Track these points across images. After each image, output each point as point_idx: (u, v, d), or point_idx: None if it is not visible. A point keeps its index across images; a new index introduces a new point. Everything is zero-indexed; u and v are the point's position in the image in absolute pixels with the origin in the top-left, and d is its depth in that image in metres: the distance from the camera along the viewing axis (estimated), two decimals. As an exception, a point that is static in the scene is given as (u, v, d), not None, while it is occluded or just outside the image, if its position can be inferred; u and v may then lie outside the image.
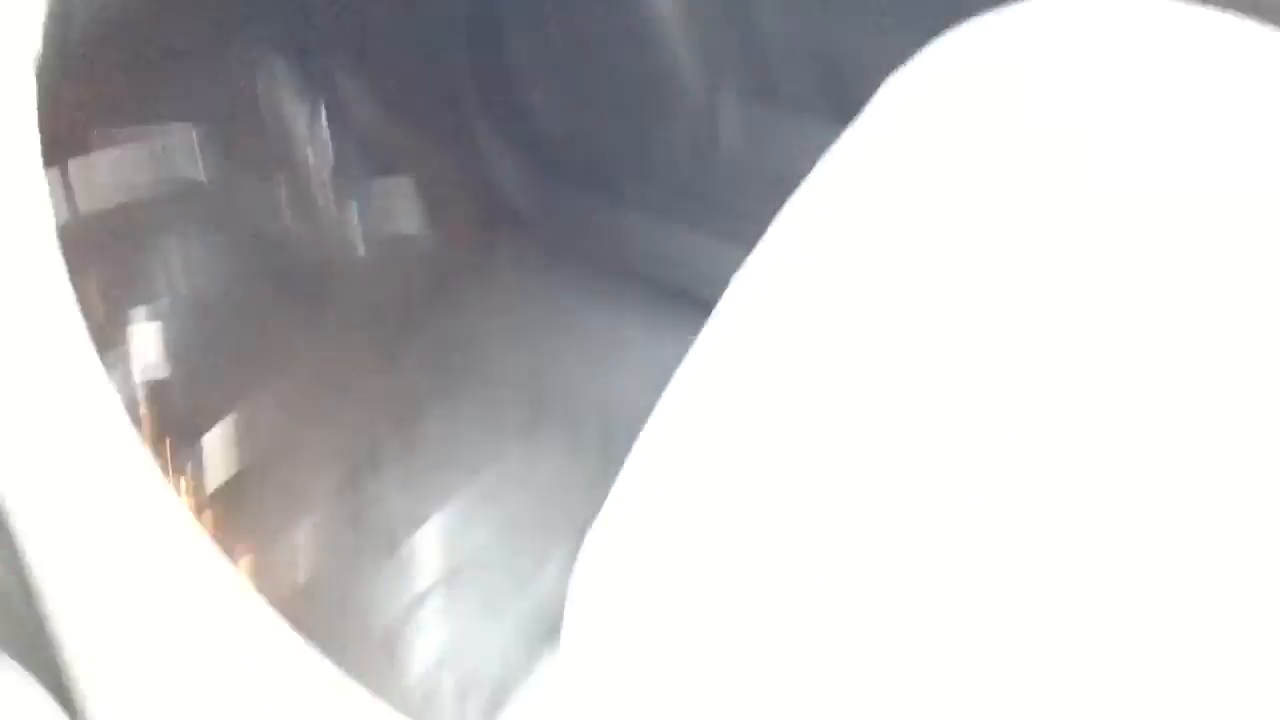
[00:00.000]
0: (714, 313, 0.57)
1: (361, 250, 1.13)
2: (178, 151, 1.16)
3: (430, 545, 0.95)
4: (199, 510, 0.98)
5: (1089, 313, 0.52)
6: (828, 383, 0.53)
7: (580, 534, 0.52)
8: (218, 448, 1.00)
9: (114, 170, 1.13)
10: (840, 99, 0.72)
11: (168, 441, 1.01)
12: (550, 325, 1.05)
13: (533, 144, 1.08)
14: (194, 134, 1.21)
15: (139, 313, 1.07)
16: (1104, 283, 0.53)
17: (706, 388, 0.55)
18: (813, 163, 0.62)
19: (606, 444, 1.02)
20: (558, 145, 1.07)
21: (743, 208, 0.99)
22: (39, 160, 0.62)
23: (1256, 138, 0.57)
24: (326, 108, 1.18)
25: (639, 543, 0.52)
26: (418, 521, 0.92)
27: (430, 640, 0.94)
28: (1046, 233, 0.56)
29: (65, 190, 1.10)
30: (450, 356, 1.02)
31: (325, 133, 1.17)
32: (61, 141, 1.05)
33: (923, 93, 0.61)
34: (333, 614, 0.93)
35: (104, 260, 1.08)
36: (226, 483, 0.98)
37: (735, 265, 0.59)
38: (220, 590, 0.50)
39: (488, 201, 1.12)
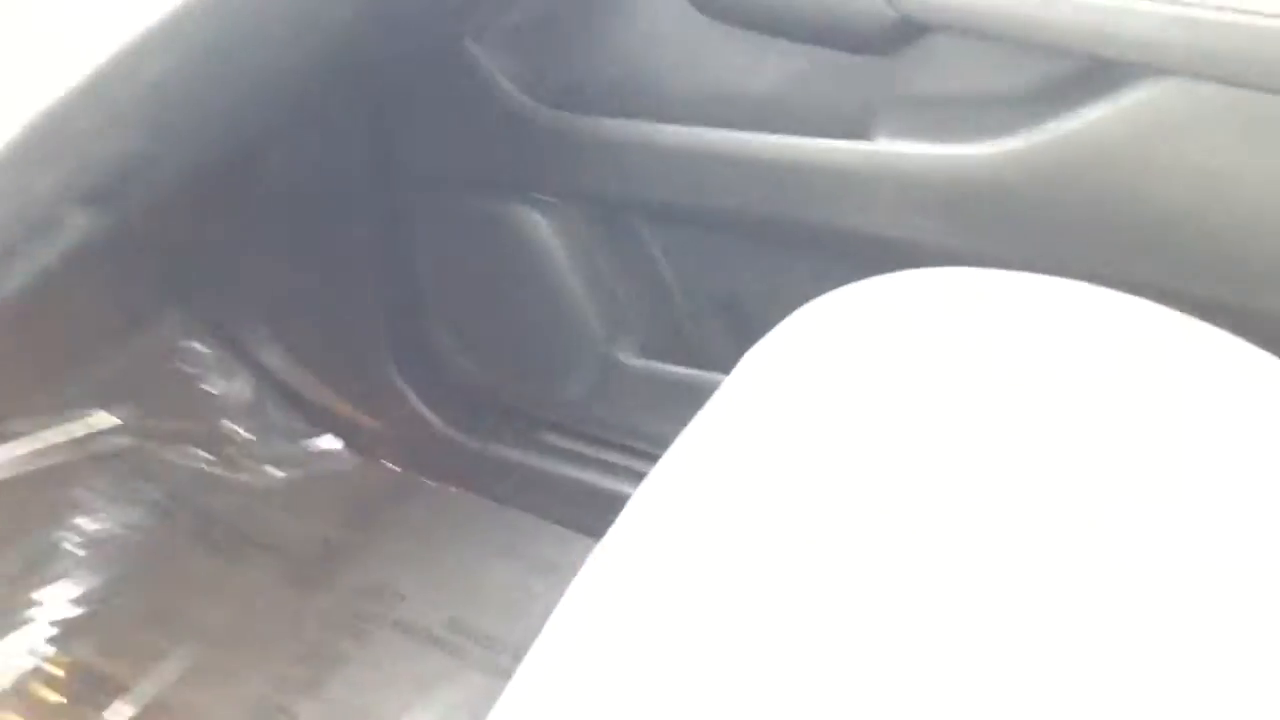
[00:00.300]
0: (599, 544, 0.59)
1: (280, 503, 1.14)
2: (96, 434, 1.19)
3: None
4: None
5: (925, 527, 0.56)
6: (694, 617, 0.55)
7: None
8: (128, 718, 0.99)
9: (29, 454, 1.15)
10: (735, 351, 0.76)
11: (79, 712, 0.99)
12: (468, 571, 1.05)
13: (448, 397, 1.11)
14: (112, 416, 1.24)
15: (52, 583, 1.08)
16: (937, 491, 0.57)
17: (589, 614, 0.57)
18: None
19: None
20: (472, 397, 1.10)
21: (647, 451, 1.03)
22: None
23: (1085, 380, 0.62)
24: (250, 377, 1.22)
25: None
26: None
27: None
28: (894, 476, 0.60)
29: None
30: (367, 609, 1.02)
31: (248, 400, 1.20)
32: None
33: (784, 354, 0.66)
34: None
35: (15, 531, 1.09)
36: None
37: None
38: None
39: (405, 453, 1.14)
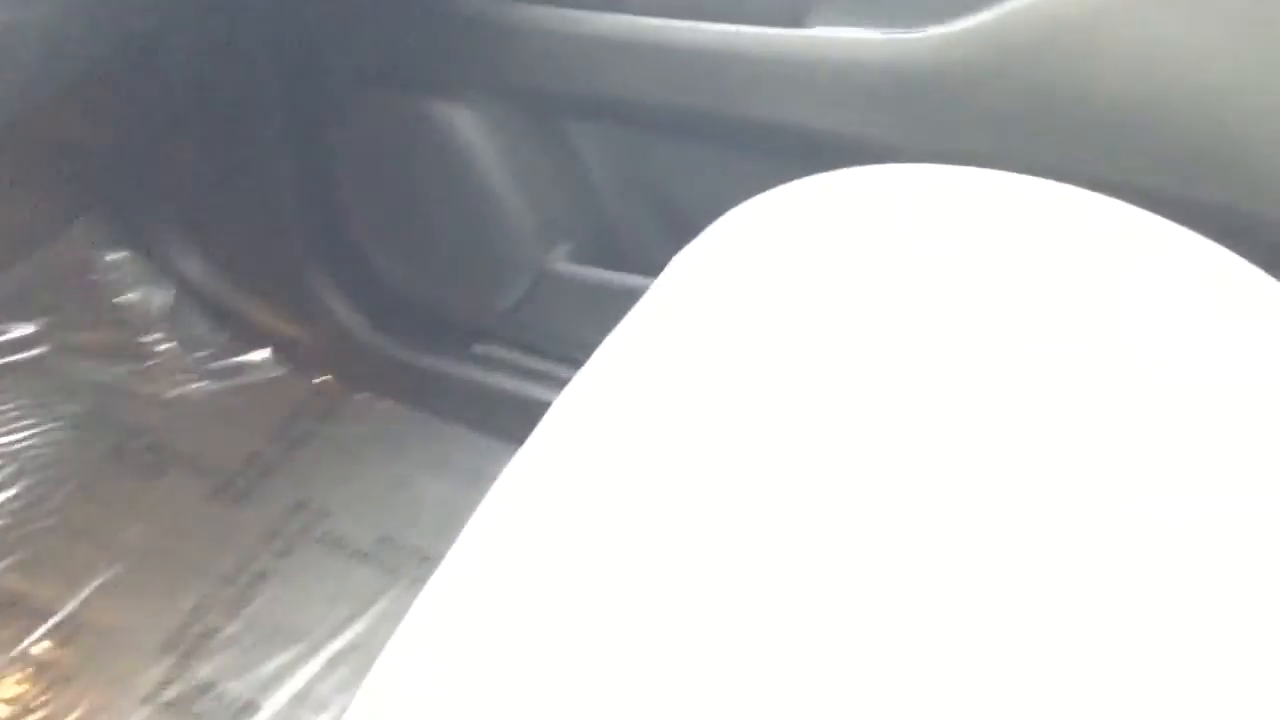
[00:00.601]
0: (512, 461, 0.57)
1: (204, 417, 1.10)
2: (11, 347, 1.14)
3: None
4: (27, 709, 0.93)
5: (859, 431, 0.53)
6: (612, 524, 0.52)
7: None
8: (49, 641, 0.94)
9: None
10: (671, 254, 0.74)
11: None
12: (399, 485, 1.02)
13: (377, 306, 1.07)
14: (29, 329, 1.18)
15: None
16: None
17: (506, 521, 0.54)
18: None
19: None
20: (401, 306, 1.06)
21: (582, 359, 0.99)
22: None
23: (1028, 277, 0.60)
24: (169, 287, 1.16)
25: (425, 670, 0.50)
26: (252, 708, 0.87)
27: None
28: (822, 370, 0.57)
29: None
30: (293, 525, 0.99)
31: (168, 311, 1.15)
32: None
33: (715, 255, 0.63)
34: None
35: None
36: (58, 676, 0.93)
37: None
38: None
39: (333, 364, 1.10)
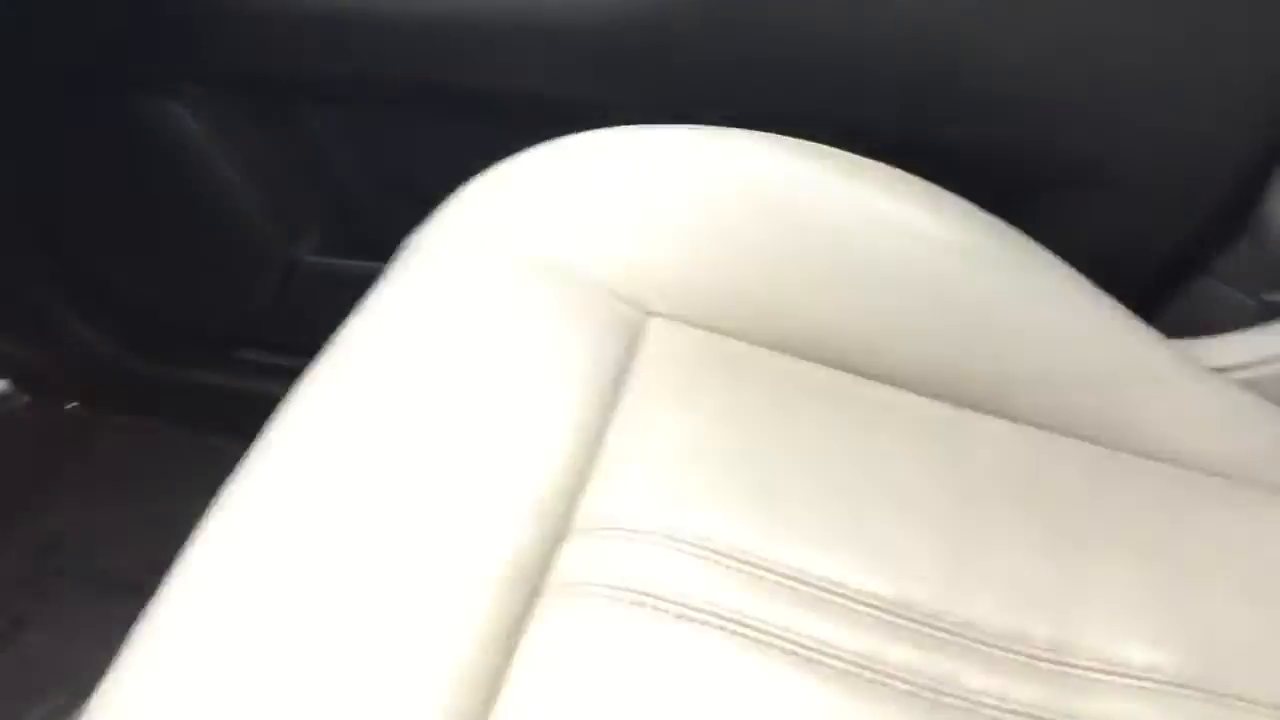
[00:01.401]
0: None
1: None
2: None
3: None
4: None
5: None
6: (337, 524, 0.50)
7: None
8: None
9: None
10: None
11: None
12: (166, 508, 0.96)
13: (122, 322, 1.01)
14: None
15: None
16: None
17: (235, 522, 0.53)
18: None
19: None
20: (148, 319, 1.00)
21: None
22: None
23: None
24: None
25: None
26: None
27: None
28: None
29: None
30: (49, 565, 0.92)
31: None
32: None
33: (442, 236, 0.63)
34: None
35: None
36: None
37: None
38: None
39: (83, 388, 1.04)
